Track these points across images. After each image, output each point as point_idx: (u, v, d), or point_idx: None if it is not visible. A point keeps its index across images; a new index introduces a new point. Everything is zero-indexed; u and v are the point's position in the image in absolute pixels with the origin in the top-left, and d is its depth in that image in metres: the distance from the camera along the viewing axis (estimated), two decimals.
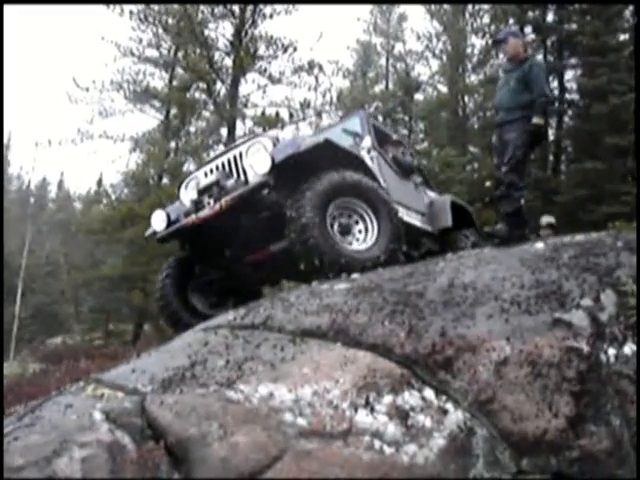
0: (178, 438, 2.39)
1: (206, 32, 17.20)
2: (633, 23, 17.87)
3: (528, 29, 20.37)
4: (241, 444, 2.34)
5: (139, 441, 2.44)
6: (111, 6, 16.58)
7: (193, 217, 5.66)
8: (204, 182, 5.93)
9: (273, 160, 5.24)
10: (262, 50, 17.57)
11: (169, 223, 6.10)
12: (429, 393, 2.73)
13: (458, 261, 4.25)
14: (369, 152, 6.80)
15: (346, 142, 6.71)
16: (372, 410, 2.59)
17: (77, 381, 3.84)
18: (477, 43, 24.02)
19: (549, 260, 3.72)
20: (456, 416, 2.62)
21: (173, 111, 19.80)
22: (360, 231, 5.55)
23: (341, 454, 2.37)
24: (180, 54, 18.79)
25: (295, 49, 17.35)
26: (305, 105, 17.63)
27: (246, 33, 17.08)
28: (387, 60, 29.00)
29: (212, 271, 6.41)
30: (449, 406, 2.67)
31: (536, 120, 6.17)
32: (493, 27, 21.17)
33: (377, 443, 2.44)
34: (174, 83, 19.79)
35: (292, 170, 5.34)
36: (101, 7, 16.67)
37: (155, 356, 3.65)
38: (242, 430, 2.41)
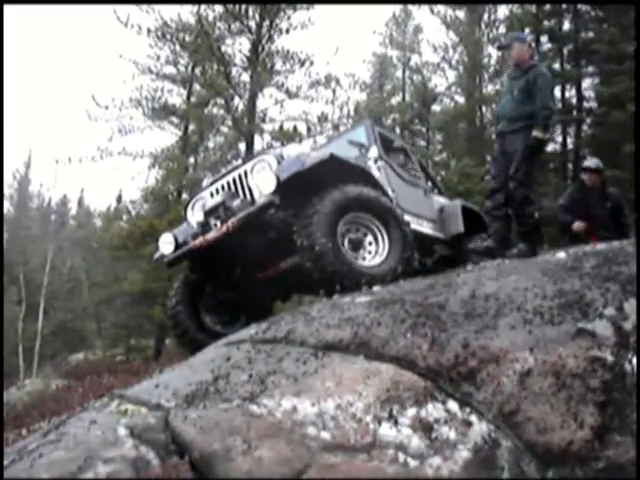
0: (202, 453, 2.39)
1: (223, 48, 17.33)
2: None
3: (544, 38, 20.35)
4: (265, 458, 2.34)
5: (163, 456, 2.45)
6: (129, 24, 16.74)
7: (201, 239, 5.61)
8: (210, 203, 5.88)
9: (278, 179, 5.19)
10: (279, 65, 17.70)
11: (177, 246, 6.06)
12: (453, 405, 2.72)
13: (479, 272, 4.24)
14: (376, 162, 6.73)
15: (352, 154, 6.67)
16: (396, 423, 2.58)
17: (101, 397, 3.86)
18: (493, 53, 24.02)
19: (571, 270, 3.70)
20: (480, 428, 2.60)
21: (191, 127, 19.89)
22: (371, 243, 5.52)
23: (365, 467, 2.36)
24: (198, 70, 18.92)
25: (312, 63, 17.45)
26: (323, 119, 17.69)
27: (263, 48, 17.19)
28: (404, 72, 29.05)
29: (223, 290, 6.35)
30: (473, 418, 2.65)
31: (536, 133, 6.03)
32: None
33: (401, 456, 2.43)
34: (192, 99, 19.92)
35: (298, 187, 5.29)
36: (119, 25, 16.82)
37: (178, 371, 3.67)
38: (266, 444, 2.41)
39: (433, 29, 47.99)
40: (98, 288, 28.29)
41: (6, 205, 47.91)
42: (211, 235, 5.51)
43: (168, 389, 3.11)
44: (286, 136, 17.41)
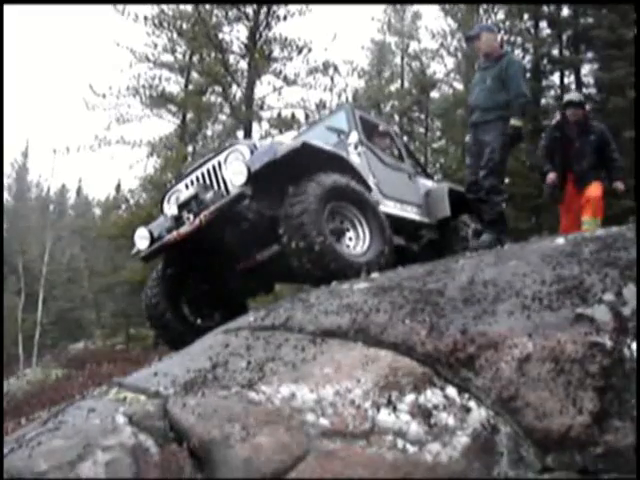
0: (201, 440, 2.39)
1: (220, 35, 17.29)
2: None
3: (543, 24, 20.29)
4: (264, 445, 2.34)
5: (162, 444, 2.45)
6: (126, 12, 16.67)
7: (174, 234, 5.49)
8: (183, 196, 5.77)
9: (249, 170, 5.10)
10: (277, 52, 17.67)
11: (152, 240, 5.94)
12: (452, 391, 2.72)
13: (478, 258, 4.23)
14: (356, 147, 6.59)
15: (331, 140, 6.56)
16: (394, 409, 2.57)
17: (100, 385, 3.87)
18: None
19: (570, 255, 3.69)
20: (479, 414, 2.60)
21: (189, 115, 19.87)
22: (350, 233, 5.47)
23: (364, 454, 2.36)
24: (195, 58, 18.90)
25: (310, 50, 17.41)
26: (321, 106, 17.67)
27: (260, 35, 17.14)
28: (402, 59, 28.95)
29: (202, 282, 6.24)
30: (472, 404, 2.65)
31: (514, 122, 5.96)
32: (508, 23, 21.06)
33: (400, 442, 2.43)
34: (190, 87, 19.89)
35: (271, 177, 5.23)
36: (116, 13, 16.76)
37: (176, 359, 3.66)
38: (264, 431, 2.41)
39: (431, 15, 47.83)
40: (97, 277, 28.35)
41: (5, 195, 47.99)
42: (184, 229, 5.40)
43: (167, 377, 3.11)
44: (284, 123, 17.38)
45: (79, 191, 51.40)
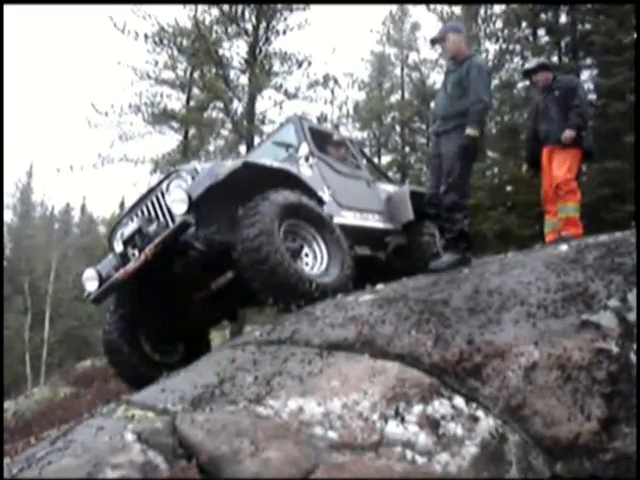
0: (210, 456, 2.39)
1: (221, 51, 17.31)
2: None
3: (541, 31, 20.35)
4: (273, 459, 2.34)
5: (171, 460, 2.45)
6: (126, 30, 16.74)
7: (122, 272, 5.22)
8: (127, 231, 5.46)
9: (190, 197, 4.85)
10: (277, 66, 17.66)
11: (101, 281, 5.65)
12: (459, 401, 2.72)
13: (482, 267, 4.24)
14: (307, 160, 6.41)
15: (280, 155, 6.44)
16: (402, 420, 2.57)
17: (108, 403, 3.87)
18: (491, 48, 24.00)
19: (574, 262, 3.70)
20: (487, 423, 2.60)
21: (192, 131, 19.88)
22: (307, 254, 5.27)
23: (373, 466, 2.36)
24: (196, 74, 18.93)
25: (310, 64, 17.41)
26: (322, 119, 17.67)
27: (260, 50, 17.17)
28: (402, 70, 29.06)
29: (159, 317, 5.91)
30: (480, 413, 2.65)
31: (469, 131, 5.31)
32: (506, 31, 21.12)
33: (409, 453, 2.43)
34: (191, 103, 19.94)
35: (216, 201, 5.01)
36: (116, 32, 16.82)
37: (184, 375, 3.67)
38: (273, 445, 2.41)
39: (430, 26, 47.91)
40: None
41: (9, 215, 48.17)
42: (130, 266, 5.13)
43: (174, 393, 3.11)
44: None
45: (83, 209, 51.52)
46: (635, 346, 2.82)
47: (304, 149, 6.51)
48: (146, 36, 17.26)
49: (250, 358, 3.41)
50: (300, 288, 4.72)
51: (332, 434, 2.49)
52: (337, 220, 5.80)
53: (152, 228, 5.20)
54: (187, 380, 3.40)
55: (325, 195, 6.08)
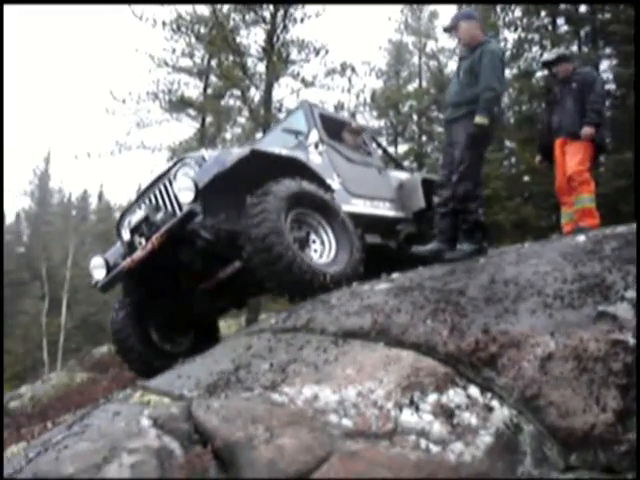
0: (225, 442, 2.40)
1: (238, 39, 17.27)
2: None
3: (561, 21, 20.14)
4: (287, 446, 2.35)
5: (187, 446, 2.47)
6: (144, 17, 16.74)
7: (128, 260, 5.19)
8: (134, 220, 5.43)
9: (197, 186, 4.81)
10: (294, 54, 17.60)
11: (109, 269, 5.64)
12: (474, 391, 2.72)
13: (499, 257, 4.23)
14: (317, 147, 6.30)
15: (289, 142, 6.35)
16: (417, 409, 2.58)
17: (124, 389, 3.90)
18: (510, 37, 23.82)
19: (591, 253, 3.68)
20: (502, 413, 2.59)
21: (209, 119, 19.89)
22: (315, 241, 5.20)
23: (387, 454, 2.36)
24: (213, 62, 18.89)
25: (327, 52, 17.34)
26: (339, 107, 17.61)
27: (278, 38, 17.11)
28: (420, 58, 28.89)
29: (167, 306, 5.89)
30: (495, 403, 2.65)
31: (478, 119, 5.20)
32: (525, 20, 20.94)
33: (423, 442, 2.43)
34: (209, 91, 19.93)
35: (223, 189, 4.94)
36: (134, 19, 16.84)
37: (199, 361, 3.69)
38: (288, 432, 2.42)
39: (448, 14, 47.65)
40: None
41: (27, 201, 48.49)
42: (137, 255, 5.10)
43: (190, 379, 3.14)
44: None
45: (101, 196, 51.67)
46: None
47: (314, 136, 6.41)
48: (164, 23, 17.24)
49: (266, 345, 3.42)
50: (314, 282, 4.67)
51: (347, 422, 2.50)
52: (347, 208, 5.74)
53: (159, 216, 5.17)
54: (203, 367, 3.43)
55: (335, 183, 6.02)
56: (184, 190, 4.86)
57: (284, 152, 5.55)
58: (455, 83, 5.68)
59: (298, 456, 2.31)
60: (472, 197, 5.33)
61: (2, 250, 32.48)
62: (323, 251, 5.19)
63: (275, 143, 6.04)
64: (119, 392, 3.96)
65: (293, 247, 4.72)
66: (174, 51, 18.65)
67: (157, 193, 5.40)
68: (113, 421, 2.76)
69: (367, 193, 6.52)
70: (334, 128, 6.83)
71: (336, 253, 5.16)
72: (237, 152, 5.10)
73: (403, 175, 7.51)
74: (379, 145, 7.97)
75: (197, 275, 5.52)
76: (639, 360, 2.63)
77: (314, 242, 5.21)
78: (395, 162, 8.32)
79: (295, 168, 5.34)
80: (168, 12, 17.34)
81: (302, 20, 16.98)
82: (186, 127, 20.02)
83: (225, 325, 15.36)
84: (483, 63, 5.34)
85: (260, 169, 5.04)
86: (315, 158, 6.12)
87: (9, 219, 51.66)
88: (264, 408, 2.59)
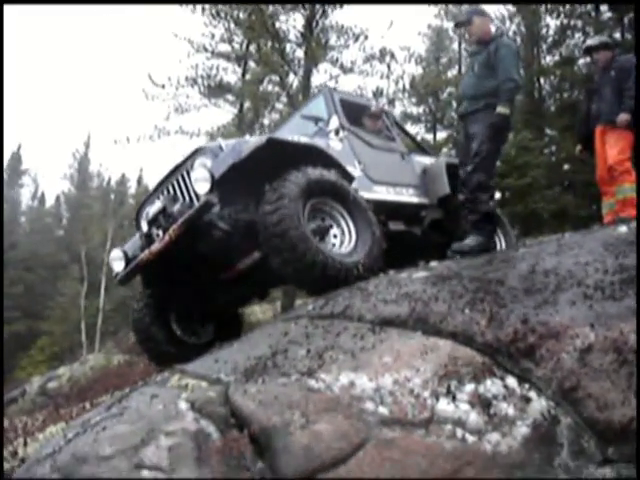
0: (261, 427, 2.42)
1: (277, 25, 17.24)
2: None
3: (604, 7, 19.81)
4: (323, 432, 2.36)
5: (223, 430, 2.49)
6: (183, 3, 16.80)
7: (146, 252, 5.13)
8: (152, 211, 5.36)
9: (213, 176, 4.72)
10: (333, 40, 17.55)
11: (128, 261, 5.57)
12: (511, 381, 2.70)
13: (539, 247, 4.19)
14: (337, 133, 6.16)
15: (309, 129, 6.25)
16: (454, 399, 2.57)
17: (162, 372, 3.95)
18: (552, 23, 23.50)
19: (632, 244, 3.62)
20: (539, 404, 2.58)
21: (247, 104, 19.93)
22: (335, 235, 5.09)
23: (423, 443, 2.36)
24: (252, 48, 18.90)
25: (366, 37, 17.25)
26: (378, 93, 17.53)
27: (317, 24, 17.05)
28: (459, 44, 28.69)
29: (188, 298, 5.82)
30: (532, 394, 2.63)
31: (500, 109, 5.37)
32: (568, 7, 20.63)
33: (459, 432, 2.42)
34: (247, 77, 19.97)
35: (241, 179, 4.87)
36: (174, 5, 16.91)
37: (237, 346, 3.72)
38: (324, 419, 2.43)
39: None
40: None
41: (67, 185, 49.15)
42: (155, 247, 5.03)
43: (227, 364, 3.16)
44: None
45: (139, 180, 52.13)
46: None
47: (334, 122, 6.28)
48: (203, 9, 17.29)
49: (303, 332, 3.43)
50: (324, 269, 4.56)
51: (383, 409, 2.50)
52: (369, 195, 5.64)
53: (176, 208, 5.10)
54: (240, 351, 3.45)
55: (356, 170, 5.92)
56: (200, 181, 4.79)
57: (302, 140, 5.46)
58: (470, 76, 5.82)
59: (334, 442, 2.32)
60: (484, 187, 5.43)
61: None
62: (343, 241, 5.09)
63: (295, 130, 5.98)
64: (157, 375, 4.01)
65: (310, 235, 4.63)
66: (213, 36, 18.73)
67: (175, 183, 5.37)
68: (151, 404, 2.79)
69: (390, 179, 6.40)
70: (356, 113, 6.72)
71: (356, 243, 5.05)
72: (253, 141, 5.03)
73: (427, 160, 7.32)
74: (402, 129, 7.80)
75: (216, 266, 5.46)
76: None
77: (334, 232, 5.12)
78: (419, 146, 8.14)
79: (314, 156, 5.24)
80: None
81: (341, 5, 16.90)
82: (224, 112, 20.10)
83: (260, 310, 15.48)
84: (501, 55, 5.52)
85: (278, 158, 4.96)
86: (335, 145, 6.01)
87: (49, 202, 52.50)
88: (301, 394, 2.60)
